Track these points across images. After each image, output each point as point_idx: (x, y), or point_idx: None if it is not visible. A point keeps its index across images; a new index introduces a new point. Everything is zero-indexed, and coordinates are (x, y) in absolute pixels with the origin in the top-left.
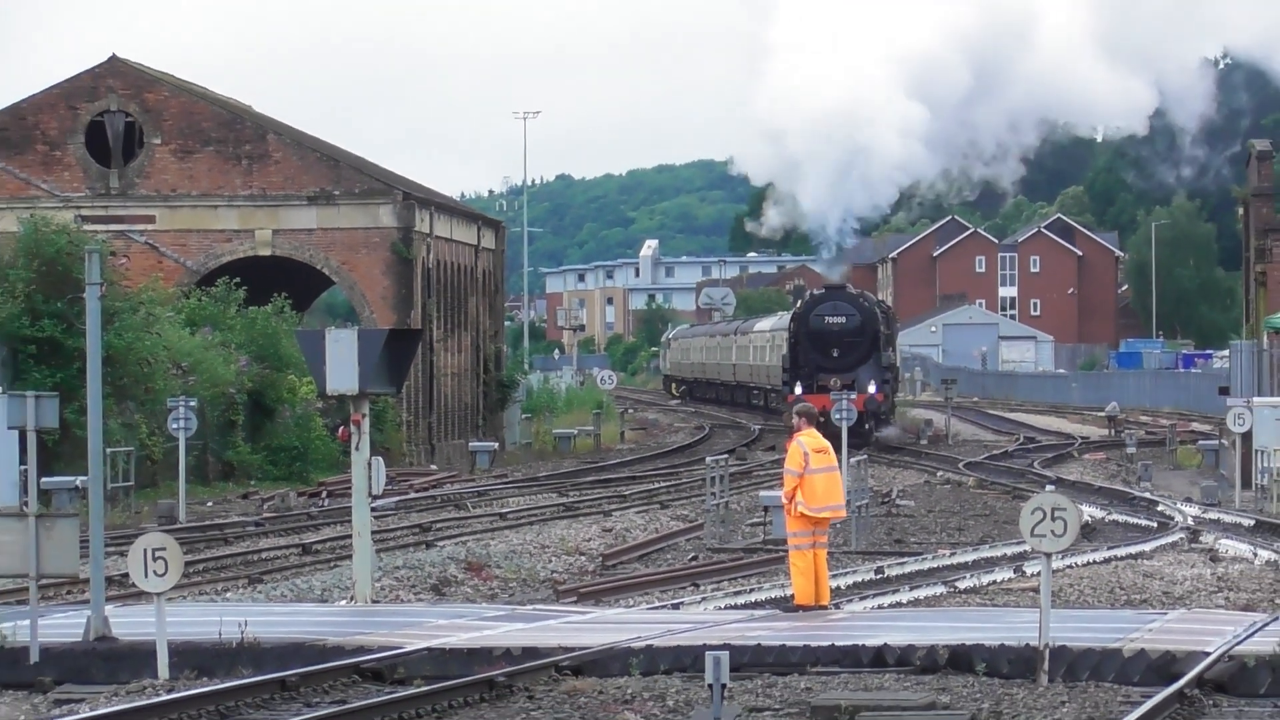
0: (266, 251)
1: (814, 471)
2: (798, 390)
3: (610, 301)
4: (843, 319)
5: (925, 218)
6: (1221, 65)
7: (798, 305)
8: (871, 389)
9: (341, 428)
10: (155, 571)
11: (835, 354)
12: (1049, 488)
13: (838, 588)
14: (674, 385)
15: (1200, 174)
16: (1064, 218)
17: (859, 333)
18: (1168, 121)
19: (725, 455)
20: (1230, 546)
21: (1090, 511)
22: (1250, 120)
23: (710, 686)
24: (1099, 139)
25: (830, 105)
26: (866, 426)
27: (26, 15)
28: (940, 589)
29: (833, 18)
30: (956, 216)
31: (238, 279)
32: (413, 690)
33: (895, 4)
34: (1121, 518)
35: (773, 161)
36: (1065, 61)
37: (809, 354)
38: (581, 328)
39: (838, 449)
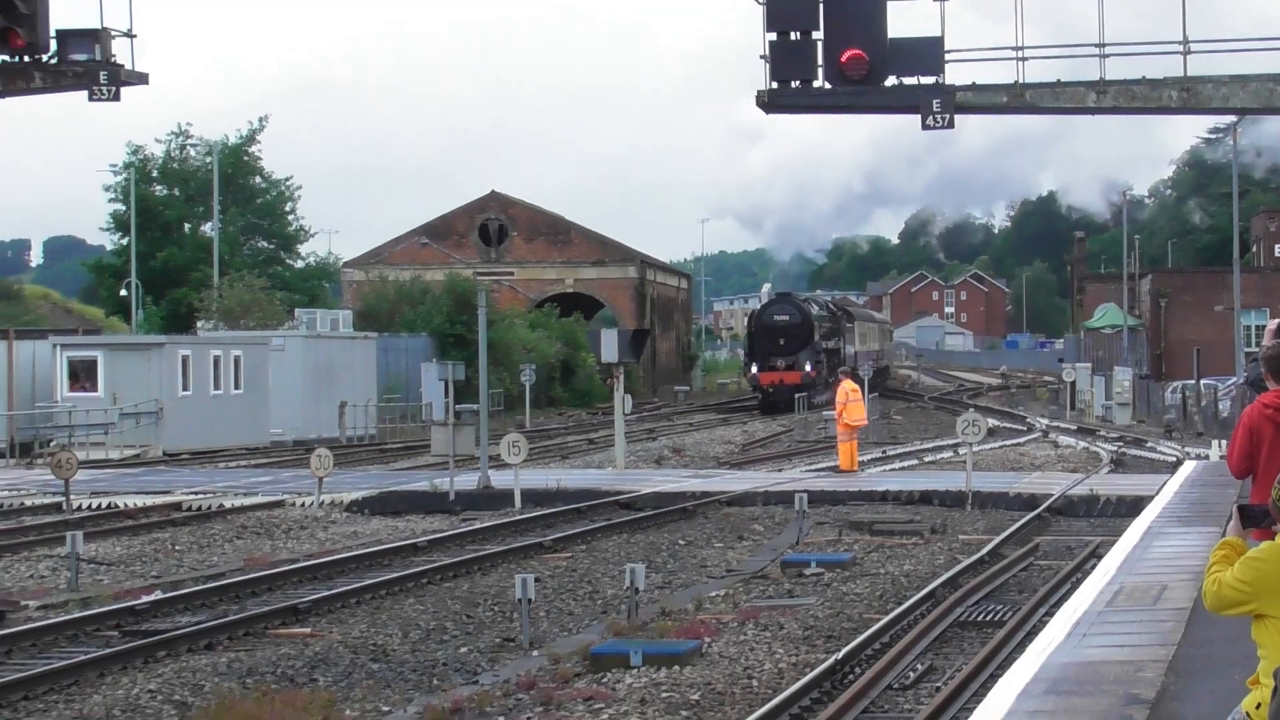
0: (570, 290)
1: (851, 400)
2: (753, 370)
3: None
4: (786, 317)
5: (906, 271)
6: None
7: (756, 308)
8: (807, 368)
9: (609, 379)
10: (514, 453)
11: (781, 343)
12: (971, 410)
13: (863, 460)
14: None
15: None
16: (979, 271)
17: (799, 327)
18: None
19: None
20: (1065, 440)
21: (992, 422)
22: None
23: (797, 511)
24: (995, 229)
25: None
26: (798, 396)
27: (449, 171)
28: (915, 461)
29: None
30: (923, 271)
31: (556, 304)
32: (646, 513)
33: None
34: (1008, 425)
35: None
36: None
37: (762, 342)
38: (731, 329)
39: (864, 392)
